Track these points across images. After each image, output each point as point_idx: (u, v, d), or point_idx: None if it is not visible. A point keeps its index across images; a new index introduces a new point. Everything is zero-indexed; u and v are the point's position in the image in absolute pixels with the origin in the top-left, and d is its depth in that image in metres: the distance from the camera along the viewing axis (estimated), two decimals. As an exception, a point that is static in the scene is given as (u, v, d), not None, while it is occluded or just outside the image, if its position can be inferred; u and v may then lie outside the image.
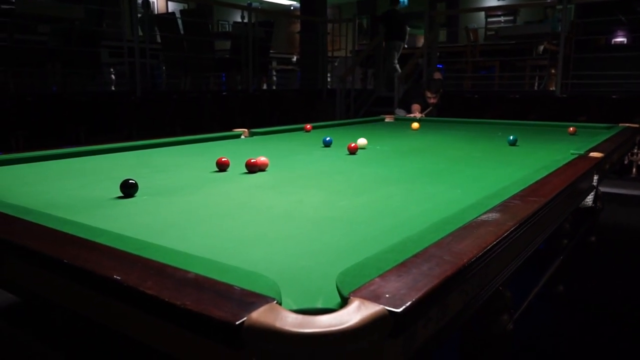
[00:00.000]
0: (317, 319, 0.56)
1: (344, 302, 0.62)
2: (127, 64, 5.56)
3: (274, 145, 2.50)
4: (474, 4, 12.92)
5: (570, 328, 2.22)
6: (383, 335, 0.59)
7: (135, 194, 1.36)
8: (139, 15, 6.08)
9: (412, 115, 4.92)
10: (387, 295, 0.63)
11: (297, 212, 1.23)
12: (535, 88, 7.45)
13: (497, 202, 1.14)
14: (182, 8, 10.83)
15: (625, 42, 7.04)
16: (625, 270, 2.91)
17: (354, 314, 0.57)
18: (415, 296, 0.63)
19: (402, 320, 0.60)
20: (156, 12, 11.11)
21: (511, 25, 11.09)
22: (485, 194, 1.26)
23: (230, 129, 2.86)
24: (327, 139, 2.45)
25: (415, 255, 0.78)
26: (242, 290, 0.65)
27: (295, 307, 0.63)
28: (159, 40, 7.07)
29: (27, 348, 1.29)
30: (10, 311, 1.60)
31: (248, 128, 2.89)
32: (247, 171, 1.72)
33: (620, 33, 7.10)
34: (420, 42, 9.54)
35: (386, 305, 0.60)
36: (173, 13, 8.28)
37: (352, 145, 2.22)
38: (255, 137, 2.84)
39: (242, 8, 6.94)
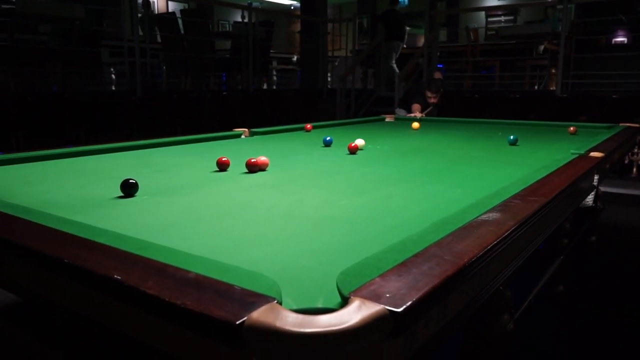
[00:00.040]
0: (317, 319, 0.56)
1: (345, 302, 0.62)
2: (128, 64, 5.56)
3: (274, 145, 2.50)
4: (474, 3, 12.92)
5: (570, 328, 2.22)
6: (383, 335, 0.58)
7: (136, 194, 1.36)
8: (140, 15, 6.09)
9: (412, 115, 4.92)
10: (387, 295, 0.63)
11: (297, 211, 1.23)
12: (536, 88, 7.44)
13: (497, 201, 1.14)
14: (182, 8, 10.83)
15: (626, 41, 7.04)
16: (625, 270, 2.91)
17: (354, 314, 0.57)
18: (416, 296, 0.63)
19: (402, 320, 0.60)
20: (156, 12, 11.11)
21: (511, 25, 11.09)
22: (486, 193, 1.26)
23: (230, 129, 2.86)
24: (328, 138, 2.45)
25: (416, 255, 0.78)
26: (243, 290, 0.65)
27: (295, 307, 0.63)
28: (159, 40, 7.07)
29: (27, 348, 1.29)
30: (10, 311, 1.60)
31: (248, 128, 2.89)
32: (247, 171, 1.72)
33: (620, 33, 7.10)
34: (421, 41, 9.54)
35: (387, 305, 0.59)
36: (173, 13, 8.28)
37: (353, 144, 2.22)
38: (255, 136, 2.84)
39: (243, 8, 6.95)
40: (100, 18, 5.95)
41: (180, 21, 6.79)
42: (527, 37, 7.37)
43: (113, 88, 6.21)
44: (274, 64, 9.15)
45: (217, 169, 1.76)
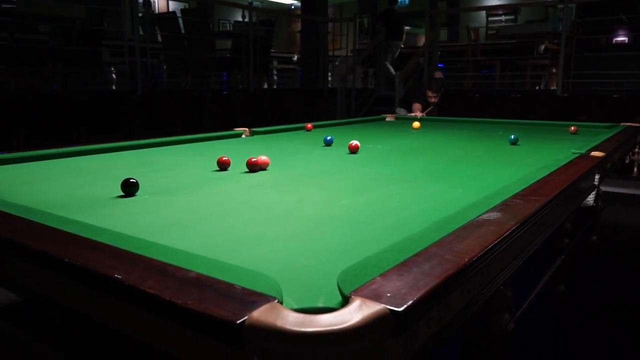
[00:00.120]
0: (318, 318, 0.56)
1: (345, 301, 0.62)
2: (128, 63, 5.57)
3: (275, 145, 2.50)
4: (475, 3, 12.91)
5: (571, 327, 2.21)
6: (384, 335, 0.58)
7: (136, 193, 1.36)
8: (140, 14, 6.09)
9: (413, 114, 4.92)
10: (388, 295, 0.63)
11: (298, 211, 1.23)
12: (538, 87, 7.44)
13: (498, 201, 1.14)
14: (182, 7, 10.83)
15: (627, 41, 7.03)
16: (626, 270, 2.91)
17: (355, 313, 0.57)
18: (417, 295, 0.63)
19: (403, 320, 0.60)
20: (157, 12, 11.11)
21: (512, 24, 11.08)
22: (487, 193, 1.26)
23: (231, 128, 2.86)
24: (328, 138, 2.45)
25: (417, 255, 0.78)
26: (243, 289, 0.65)
27: (296, 306, 0.63)
28: (159, 39, 7.07)
29: (28, 348, 1.29)
30: (11, 310, 1.60)
31: (249, 127, 2.89)
32: (248, 170, 1.72)
33: (621, 32, 7.09)
34: (421, 41, 9.53)
35: (387, 305, 0.59)
36: (174, 12, 8.27)
37: (353, 144, 2.21)
38: (256, 136, 2.84)
39: (243, 7, 6.94)
40: (100, 17, 5.95)
41: (180, 21, 6.79)
42: (527, 37, 7.36)
43: (113, 87, 6.21)
44: (275, 63, 9.14)
45: (218, 169, 1.76)
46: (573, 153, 1.94)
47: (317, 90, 8.11)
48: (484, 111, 5.71)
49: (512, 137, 2.52)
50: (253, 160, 1.73)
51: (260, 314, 0.57)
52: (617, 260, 3.07)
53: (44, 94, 5.03)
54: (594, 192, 1.81)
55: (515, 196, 1.19)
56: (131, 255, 0.79)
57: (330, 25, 9.04)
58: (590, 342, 2.09)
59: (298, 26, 10.99)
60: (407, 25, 8.03)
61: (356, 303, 0.59)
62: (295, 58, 10.04)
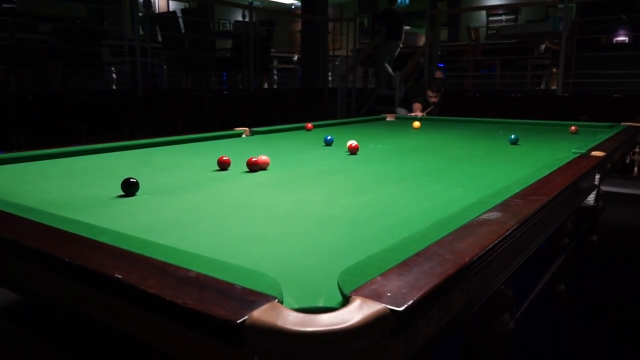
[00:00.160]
0: (318, 318, 0.56)
1: (346, 301, 0.62)
2: (128, 63, 5.57)
3: (275, 144, 2.50)
4: (475, 2, 12.91)
5: (571, 327, 2.21)
6: (385, 334, 0.58)
7: (137, 193, 1.36)
8: (140, 14, 6.09)
9: (413, 114, 4.92)
10: (388, 294, 0.63)
11: (298, 210, 1.23)
12: (538, 87, 7.44)
13: (498, 201, 1.13)
14: (183, 7, 10.83)
15: (627, 40, 7.03)
16: (626, 270, 2.91)
17: (355, 313, 0.57)
18: (417, 295, 0.63)
19: (403, 319, 0.59)
20: (157, 11, 11.11)
21: (512, 24, 11.08)
22: (487, 192, 1.26)
23: (231, 128, 2.86)
24: (328, 137, 2.45)
25: (417, 254, 0.78)
26: (244, 289, 0.65)
27: (296, 306, 0.63)
28: (160, 39, 7.07)
29: (28, 348, 1.29)
30: (11, 310, 1.60)
31: (249, 127, 2.89)
32: (248, 170, 1.72)
33: (621, 32, 7.09)
34: (422, 41, 9.53)
35: (388, 304, 0.59)
36: (174, 12, 8.27)
37: (353, 144, 2.21)
38: (256, 136, 2.84)
39: (243, 7, 6.94)
40: (101, 17, 5.96)
41: (181, 20, 6.79)
42: (528, 36, 7.36)
43: (114, 87, 6.22)
44: (275, 63, 9.15)
45: (218, 168, 1.76)
46: (573, 153, 1.94)
47: (317, 90, 8.11)
48: (485, 111, 5.71)
49: (513, 136, 2.52)
50: (253, 160, 1.73)
51: (261, 314, 0.57)
52: (617, 260, 3.07)
53: (44, 93, 5.04)
54: (594, 192, 1.81)
55: (515, 196, 1.19)
56: (131, 254, 0.79)
57: (330, 25, 9.04)
58: (590, 342, 2.09)
59: (298, 26, 10.99)
60: (408, 25, 8.03)
61: (356, 303, 0.59)
62: (296, 58, 10.04)
